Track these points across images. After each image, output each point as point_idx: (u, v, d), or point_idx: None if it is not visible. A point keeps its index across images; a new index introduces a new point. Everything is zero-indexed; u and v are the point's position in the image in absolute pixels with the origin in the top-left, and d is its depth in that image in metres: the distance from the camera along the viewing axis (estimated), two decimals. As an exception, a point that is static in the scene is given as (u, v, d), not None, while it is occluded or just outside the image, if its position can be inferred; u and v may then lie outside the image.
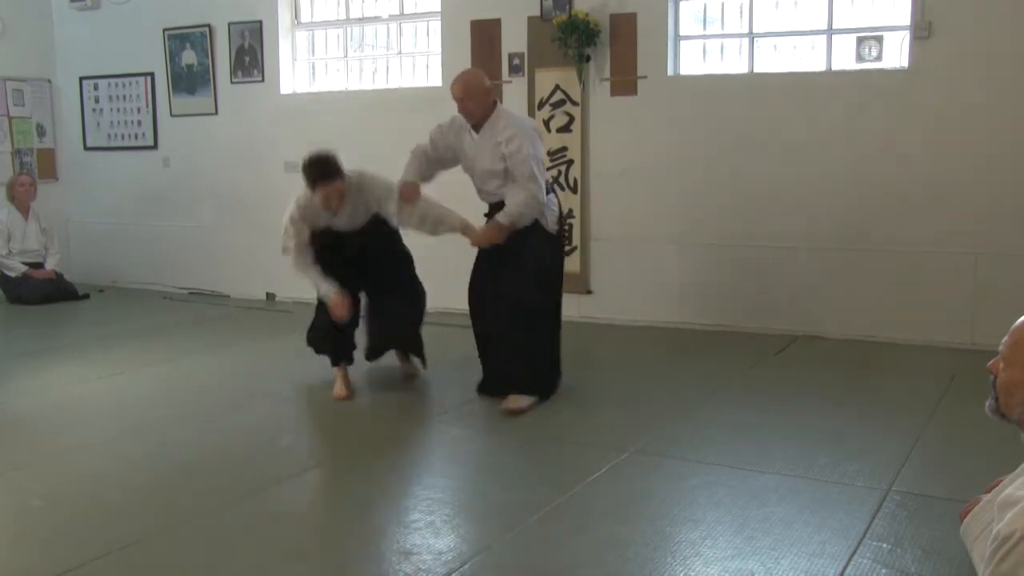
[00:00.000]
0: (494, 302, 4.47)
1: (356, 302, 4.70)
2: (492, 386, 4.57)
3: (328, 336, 4.71)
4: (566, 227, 6.41)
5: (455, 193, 4.74)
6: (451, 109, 4.45)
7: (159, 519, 3.17)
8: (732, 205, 6.00)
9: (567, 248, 6.43)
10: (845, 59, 5.72)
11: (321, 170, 4.41)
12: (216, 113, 7.83)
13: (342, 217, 4.57)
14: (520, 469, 3.70)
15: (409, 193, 4.53)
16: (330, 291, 4.51)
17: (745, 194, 5.95)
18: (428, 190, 4.66)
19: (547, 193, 4.49)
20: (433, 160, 4.62)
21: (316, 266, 4.55)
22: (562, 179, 6.42)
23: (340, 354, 4.71)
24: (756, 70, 5.98)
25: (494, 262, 4.47)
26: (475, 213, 4.65)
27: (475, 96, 4.38)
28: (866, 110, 5.58)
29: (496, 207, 4.48)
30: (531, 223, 4.37)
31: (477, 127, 4.45)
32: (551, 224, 4.47)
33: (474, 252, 4.69)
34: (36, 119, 8.44)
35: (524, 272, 4.37)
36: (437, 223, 4.59)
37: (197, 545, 2.99)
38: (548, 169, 6.43)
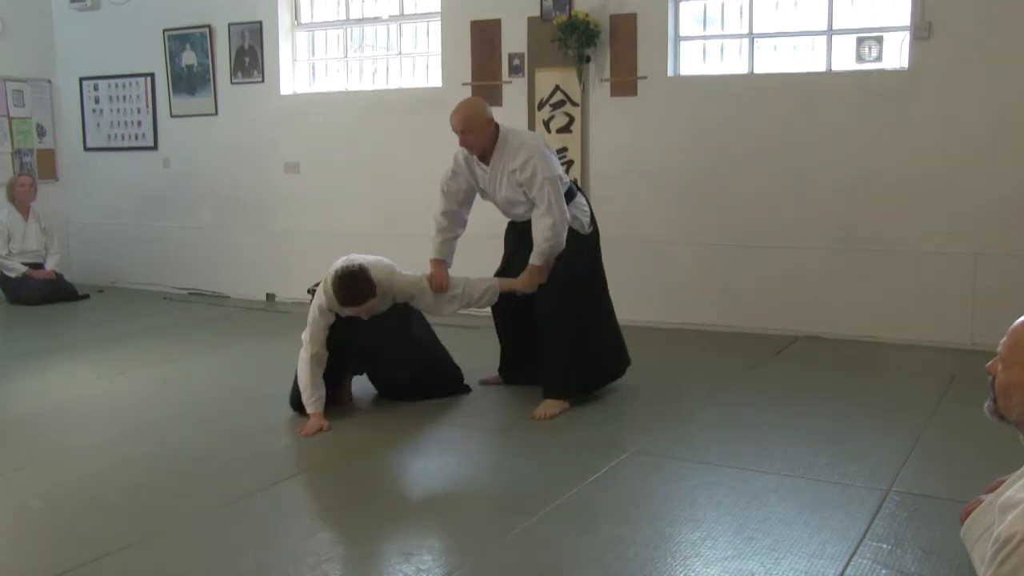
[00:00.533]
0: (528, 311, 4.44)
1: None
2: (517, 372, 4.76)
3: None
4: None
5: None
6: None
7: (159, 519, 3.17)
8: (732, 205, 6.00)
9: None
10: (845, 59, 5.72)
11: (352, 295, 4.12)
12: (216, 114, 7.83)
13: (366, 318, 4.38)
14: (520, 469, 3.70)
15: (440, 283, 4.42)
16: (314, 409, 4.18)
17: (745, 194, 5.96)
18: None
19: (573, 196, 4.45)
20: (455, 215, 4.54)
21: (321, 382, 4.26)
22: (562, 179, 6.43)
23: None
24: (756, 70, 5.98)
25: (521, 269, 4.43)
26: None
27: (476, 127, 4.29)
28: (866, 110, 5.59)
29: (523, 224, 4.45)
30: (569, 233, 4.35)
31: (484, 157, 4.38)
32: (586, 226, 4.48)
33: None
34: (36, 119, 8.44)
35: (554, 282, 4.35)
36: (479, 297, 4.47)
37: (197, 545, 2.99)
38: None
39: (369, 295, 4.15)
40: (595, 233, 4.57)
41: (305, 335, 4.32)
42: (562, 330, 4.38)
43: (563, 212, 4.31)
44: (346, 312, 4.23)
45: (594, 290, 4.56)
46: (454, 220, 4.56)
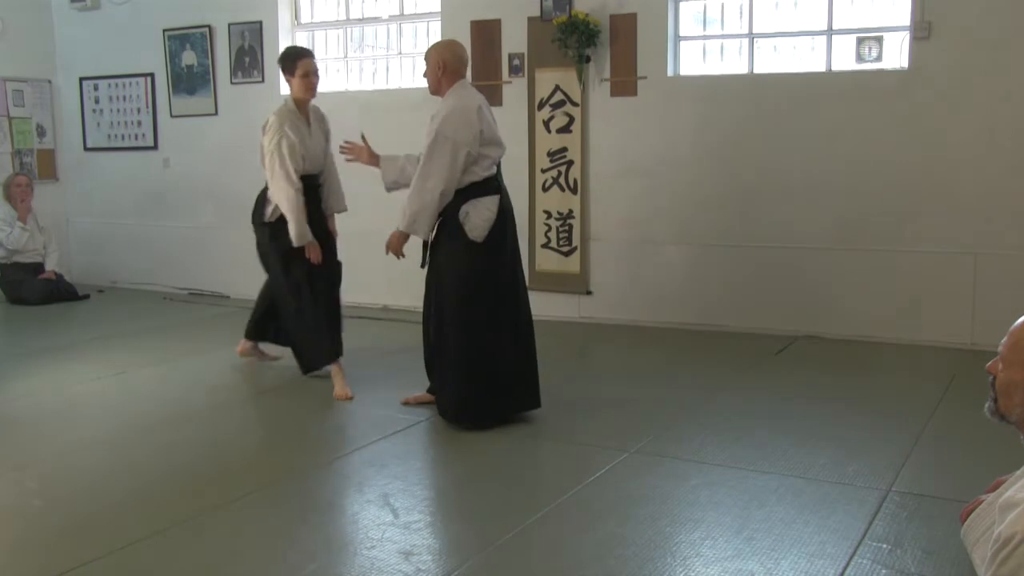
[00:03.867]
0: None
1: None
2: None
3: (320, 328, 4.76)
4: (563, 229, 6.43)
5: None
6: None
7: (159, 519, 3.17)
8: (732, 205, 6.00)
9: (567, 249, 6.45)
10: (845, 59, 5.72)
11: (301, 48, 5.15)
12: (216, 114, 7.83)
13: (315, 139, 4.98)
14: (520, 469, 3.70)
15: (355, 147, 4.63)
16: (310, 240, 4.75)
17: (745, 194, 5.96)
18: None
19: (486, 193, 3.99)
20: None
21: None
22: (562, 179, 6.43)
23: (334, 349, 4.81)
24: (756, 70, 5.98)
25: (431, 273, 4.19)
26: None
27: (431, 60, 4.11)
28: (866, 110, 5.59)
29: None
30: (455, 228, 3.99)
31: None
32: (475, 231, 3.97)
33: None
34: (36, 119, 8.44)
35: (444, 285, 4.10)
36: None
37: (197, 546, 2.99)
38: (547, 170, 6.45)
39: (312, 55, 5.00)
40: (497, 245, 4.04)
41: (279, 172, 4.65)
42: (444, 344, 4.10)
43: (439, 175, 3.87)
44: (298, 80, 4.91)
45: (491, 306, 4.05)
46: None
